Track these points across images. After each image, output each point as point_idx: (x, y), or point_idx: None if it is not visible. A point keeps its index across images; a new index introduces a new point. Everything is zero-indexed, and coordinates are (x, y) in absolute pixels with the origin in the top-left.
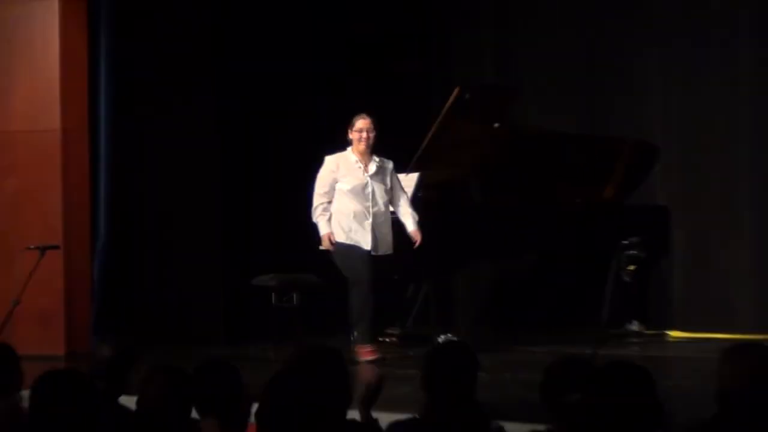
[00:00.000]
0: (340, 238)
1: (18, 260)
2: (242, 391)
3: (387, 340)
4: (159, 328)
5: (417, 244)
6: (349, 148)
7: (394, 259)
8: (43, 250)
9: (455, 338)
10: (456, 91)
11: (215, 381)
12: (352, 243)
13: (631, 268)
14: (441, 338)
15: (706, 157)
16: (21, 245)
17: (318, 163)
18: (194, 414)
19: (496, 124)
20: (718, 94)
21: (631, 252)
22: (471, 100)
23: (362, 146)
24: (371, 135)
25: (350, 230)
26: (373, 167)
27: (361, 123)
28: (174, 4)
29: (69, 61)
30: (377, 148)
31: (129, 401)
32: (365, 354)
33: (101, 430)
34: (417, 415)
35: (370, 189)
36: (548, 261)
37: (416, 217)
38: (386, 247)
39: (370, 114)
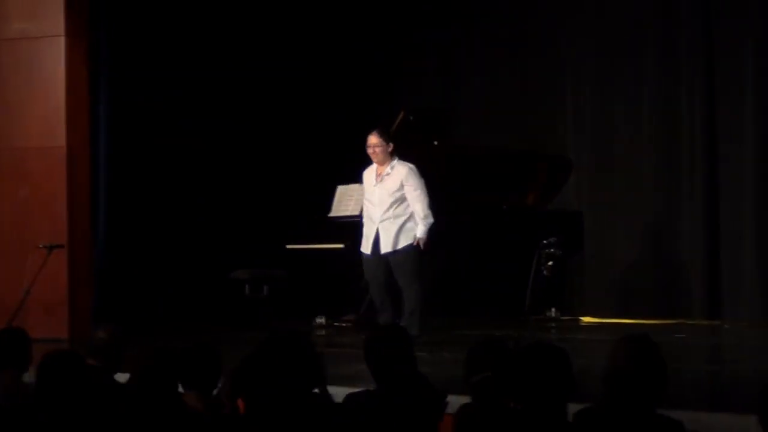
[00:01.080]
0: (362, 244)
1: (29, 257)
2: (220, 369)
3: (343, 324)
4: (151, 315)
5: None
6: None
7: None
8: (50, 248)
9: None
10: (401, 113)
11: (198, 360)
12: (362, 249)
13: (550, 263)
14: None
15: (615, 168)
16: (31, 244)
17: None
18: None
19: (436, 142)
20: (624, 117)
21: (550, 250)
22: (414, 121)
23: (375, 159)
24: (377, 149)
25: (366, 236)
26: (384, 175)
27: (368, 140)
28: (166, 37)
29: (73, 88)
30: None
31: (124, 377)
32: None
33: (96, 401)
34: (369, 388)
35: (376, 195)
36: (480, 258)
37: (426, 224)
38: (389, 246)
39: (379, 128)
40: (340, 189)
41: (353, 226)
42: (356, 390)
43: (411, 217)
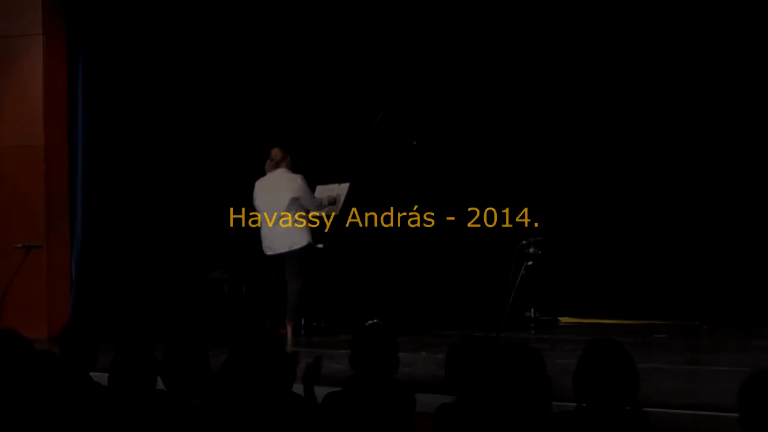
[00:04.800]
0: None
1: (6, 257)
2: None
3: (322, 325)
4: (129, 314)
5: None
6: None
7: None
8: (28, 248)
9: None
10: (380, 115)
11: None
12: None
13: (529, 263)
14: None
15: (593, 167)
16: (9, 244)
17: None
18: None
19: (414, 142)
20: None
21: (529, 250)
22: (391, 123)
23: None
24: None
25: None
26: None
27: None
28: (145, 36)
29: (51, 87)
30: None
31: (100, 377)
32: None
33: (72, 400)
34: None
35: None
36: (459, 259)
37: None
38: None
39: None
40: (320, 188)
41: (332, 226)
42: (335, 390)
43: None
